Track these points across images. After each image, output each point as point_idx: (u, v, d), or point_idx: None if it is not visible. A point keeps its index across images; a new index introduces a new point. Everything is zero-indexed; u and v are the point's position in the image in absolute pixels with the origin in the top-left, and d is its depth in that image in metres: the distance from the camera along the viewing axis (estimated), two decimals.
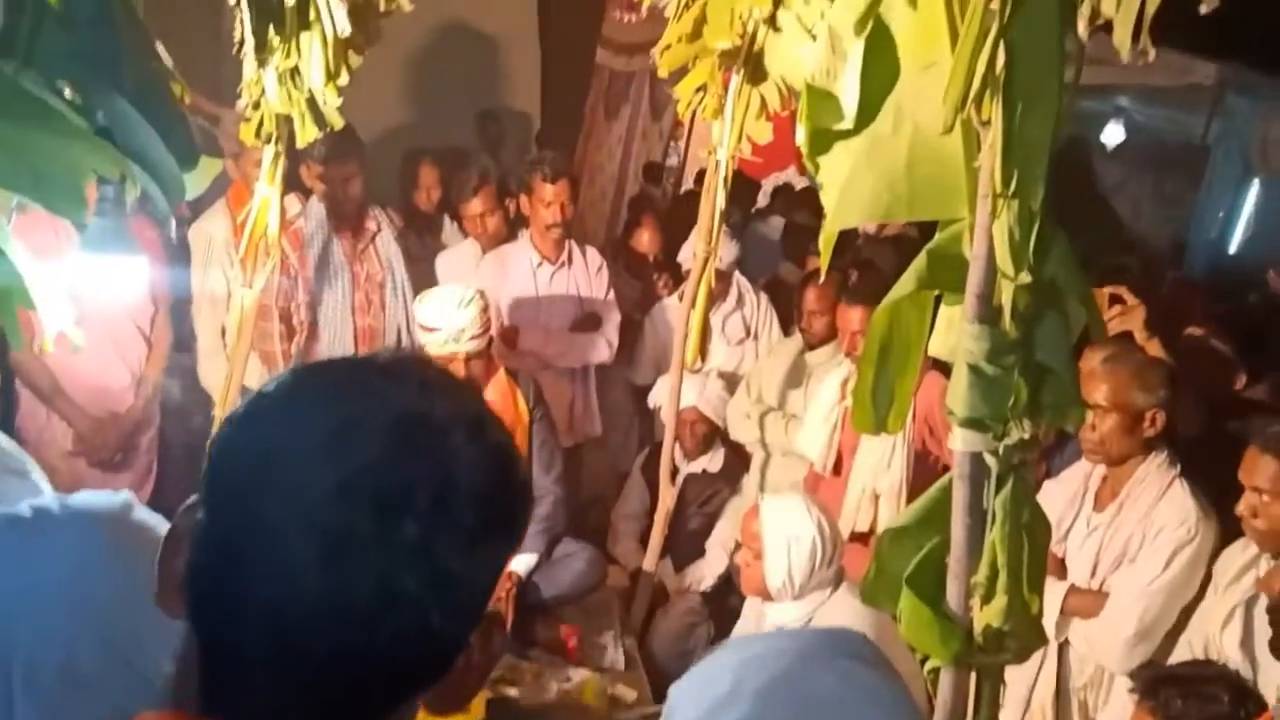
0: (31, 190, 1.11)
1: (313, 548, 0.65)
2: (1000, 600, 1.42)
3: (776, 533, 2.41)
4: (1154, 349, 2.84)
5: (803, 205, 5.77)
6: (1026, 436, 1.38)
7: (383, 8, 1.50)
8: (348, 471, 0.66)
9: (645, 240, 4.51)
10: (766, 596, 2.48)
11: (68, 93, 1.19)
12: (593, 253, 3.93)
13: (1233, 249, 6.83)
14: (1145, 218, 7.47)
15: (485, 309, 2.90)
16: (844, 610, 2.40)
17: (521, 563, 2.93)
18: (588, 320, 3.82)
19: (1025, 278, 1.32)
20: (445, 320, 2.82)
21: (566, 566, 3.02)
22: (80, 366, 3.09)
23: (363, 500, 0.65)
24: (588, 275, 3.86)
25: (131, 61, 1.19)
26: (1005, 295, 1.35)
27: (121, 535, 1.01)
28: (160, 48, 1.40)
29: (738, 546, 2.68)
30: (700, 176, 6.69)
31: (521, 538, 0.76)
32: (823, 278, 3.11)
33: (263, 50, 1.25)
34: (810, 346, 3.61)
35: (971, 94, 1.28)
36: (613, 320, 3.86)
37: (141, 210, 1.38)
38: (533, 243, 3.76)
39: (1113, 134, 7.39)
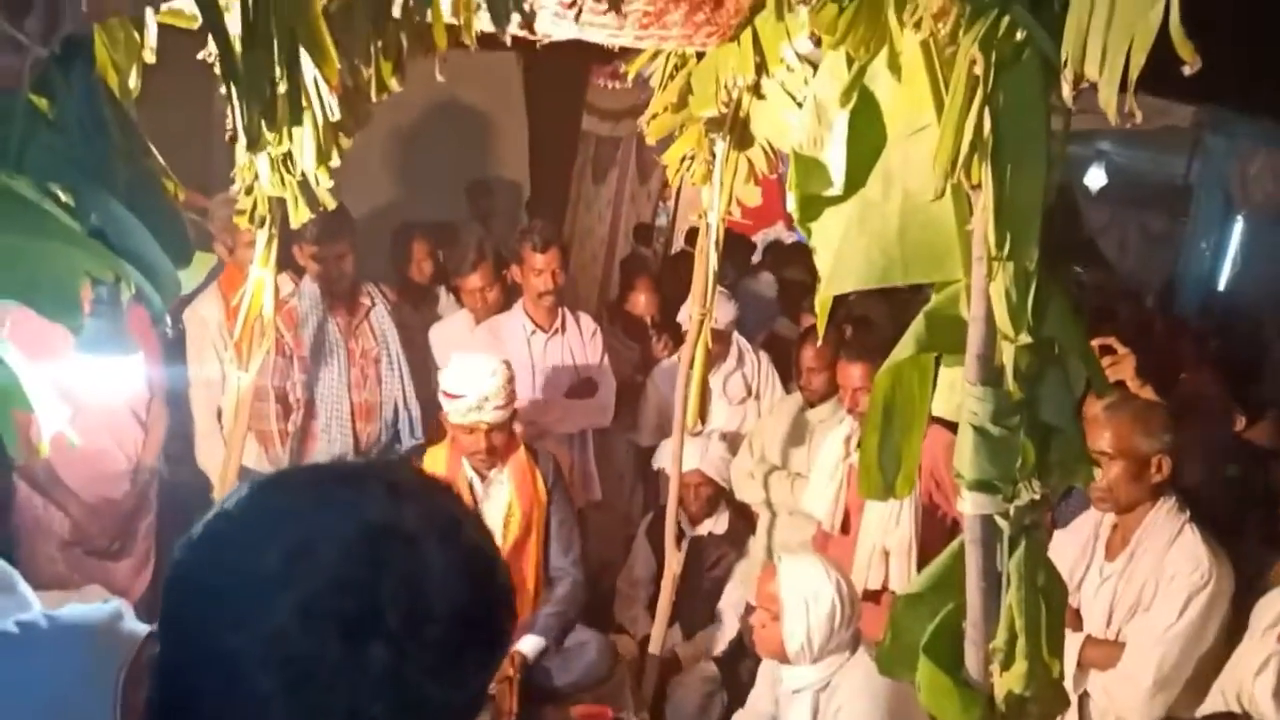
0: (25, 296, 1.11)
1: (274, 679, 0.61)
2: (1020, 665, 1.39)
3: (795, 593, 2.38)
4: (1148, 396, 2.84)
5: (794, 261, 5.81)
6: (1037, 497, 1.36)
7: (374, 98, 1.52)
8: (308, 594, 0.61)
9: (641, 303, 4.53)
10: (783, 659, 2.43)
11: (61, 195, 1.20)
12: (586, 319, 3.95)
13: (1222, 285, 6.88)
14: (1133, 258, 7.54)
15: (511, 380, 2.88)
16: (861, 675, 2.35)
17: (529, 644, 2.88)
18: (583, 386, 3.81)
19: (1025, 338, 1.32)
20: (470, 387, 2.79)
21: (579, 656, 2.95)
22: (77, 455, 3.05)
23: (326, 624, 0.61)
24: (582, 341, 3.86)
25: (124, 162, 1.20)
26: (1006, 356, 1.35)
27: (110, 648, 0.99)
28: (150, 146, 1.42)
29: (749, 609, 2.63)
30: (690, 235, 6.76)
31: (507, 644, 0.72)
32: (819, 341, 3.11)
33: (256, 143, 1.26)
34: (810, 404, 3.60)
35: (960, 159, 1.29)
36: (608, 385, 3.86)
37: (136, 302, 1.38)
38: (526, 311, 3.78)
39: (1095, 177, 7.50)
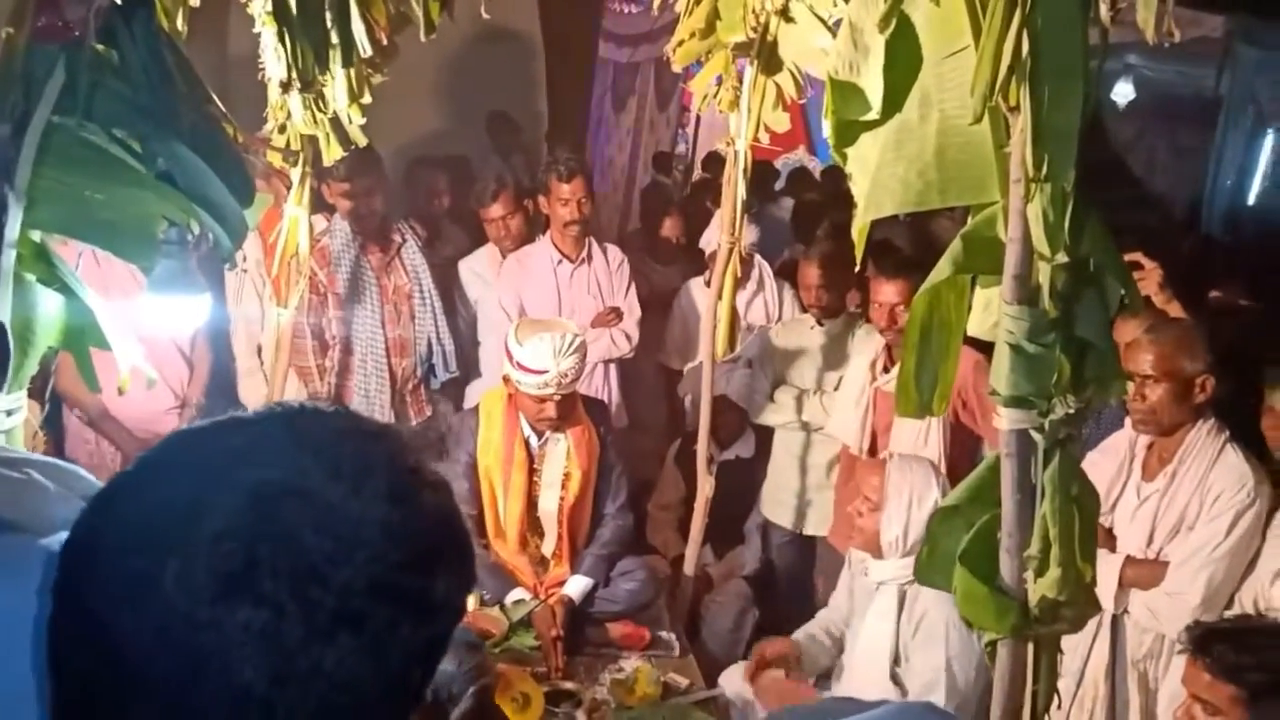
0: (103, 240, 1.16)
1: (152, 642, 0.58)
2: (1054, 572, 1.46)
3: (902, 488, 2.47)
4: (1174, 311, 2.83)
5: (813, 187, 5.78)
6: (1071, 411, 1.41)
7: (423, 37, 1.53)
8: (185, 555, 0.58)
9: (667, 226, 4.58)
10: (875, 551, 2.53)
11: (128, 140, 1.24)
12: (613, 249, 3.98)
13: (1251, 200, 6.79)
14: (1161, 173, 7.44)
15: (585, 354, 2.91)
16: None
17: (577, 586, 2.95)
18: (608, 315, 3.86)
19: (1062, 258, 1.35)
20: (550, 365, 2.79)
21: (621, 585, 3.04)
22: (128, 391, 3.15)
23: (201, 586, 0.58)
24: (608, 271, 3.90)
25: (187, 107, 1.24)
26: (1043, 275, 1.38)
27: None
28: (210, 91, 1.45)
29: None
30: (708, 162, 6.71)
31: (444, 615, 0.65)
32: (857, 266, 3.09)
33: (311, 85, 1.29)
34: (819, 321, 3.58)
35: (998, 82, 1.31)
36: (633, 314, 3.91)
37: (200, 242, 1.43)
38: (553, 242, 3.81)
39: (1123, 91, 7.36)
